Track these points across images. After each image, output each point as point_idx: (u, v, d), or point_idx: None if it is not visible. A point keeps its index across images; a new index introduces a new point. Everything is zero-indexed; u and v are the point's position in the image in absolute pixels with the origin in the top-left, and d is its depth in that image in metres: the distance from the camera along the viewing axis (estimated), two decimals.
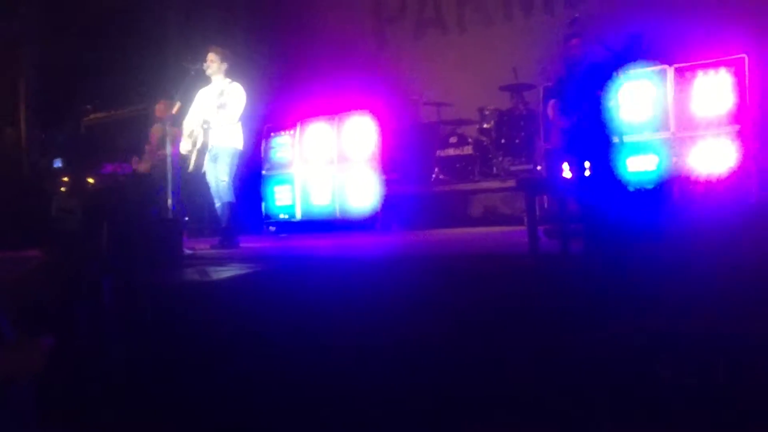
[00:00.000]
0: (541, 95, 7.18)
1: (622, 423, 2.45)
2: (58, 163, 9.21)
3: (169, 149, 6.10)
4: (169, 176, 6.06)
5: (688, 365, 2.54)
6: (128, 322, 3.37)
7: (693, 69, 6.41)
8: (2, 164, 9.86)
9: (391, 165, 7.93)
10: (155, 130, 8.12)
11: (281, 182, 8.76)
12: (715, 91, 6.28)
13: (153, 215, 6.06)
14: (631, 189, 6.05)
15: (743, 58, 6.15)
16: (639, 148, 6.56)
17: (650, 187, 6.28)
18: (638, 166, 6.51)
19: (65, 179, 8.45)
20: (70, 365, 2.75)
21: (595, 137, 5.52)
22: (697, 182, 6.17)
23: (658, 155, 6.49)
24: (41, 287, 3.15)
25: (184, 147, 6.43)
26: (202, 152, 6.30)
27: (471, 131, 8.07)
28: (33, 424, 2.02)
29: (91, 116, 8.83)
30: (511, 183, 7.21)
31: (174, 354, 3.32)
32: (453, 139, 8.01)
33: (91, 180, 8.09)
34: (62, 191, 8.25)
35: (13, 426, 1.95)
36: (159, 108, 8.11)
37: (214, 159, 6.35)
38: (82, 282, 3.23)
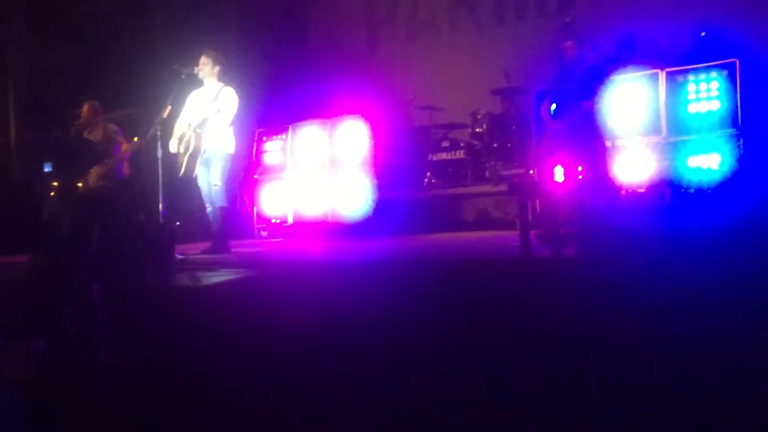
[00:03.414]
0: (534, 99, 7.19)
1: (614, 424, 2.45)
2: (47, 168, 9.15)
3: (159, 153, 6.06)
4: (160, 180, 6.03)
5: (681, 368, 2.54)
6: (118, 327, 3.35)
7: (685, 73, 6.44)
8: None
9: (383, 169, 7.92)
10: (95, 137, 8.03)
11: (273, 186, 8.73)
12: (707, 95, 6.31)
13: (139, 220, 6.03)
14: (623, 193, 6.07)
15: (735, 62, 6.18)
16: (631, 152, 6.57)
17: (642, 190, 6.29)
18: (630, 170, 6.52)
19: (55, 183, 8.39)
20: (60, 371, 2.72)
21: (588, 140, 5.55)
22: (689, 186, 6.18)
23: (650, 159, 6.51)
24: (31, 292, 3.12)
25: (173, 147, 6.39)
26: (193, 156, 6.27)
27: (463, 135, 8.08)
28: (22, 430, 2.00)
29: (81, 120, 8.79)
30: (503, 187, 7.22)
31: (165, 359, 3.29)
32: (445, 143, 8.02)
33: (80, 184, 8.04)
34: (52, 196, 8.19)
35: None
36: (85, 109, 8.01)
37: (207, 163, 6.32)
38: (72, 287, 3.21)
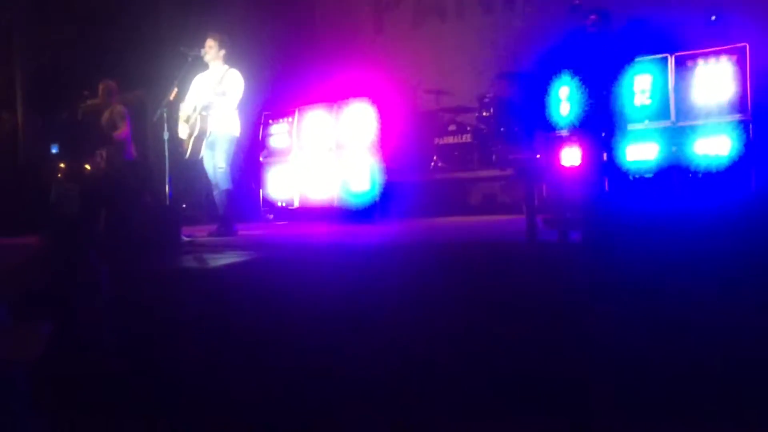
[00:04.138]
0: (542, 82, 7.15)
1: (619, 413, 2.45)
2: (55, 149, 9.17)
3: (166, 135, 6.06)
4: (167, 163, 6.04)
5: (687, 356, 2.54)
6: (126, 308, 3.36)
7: (694, 57, 6.38)
8: None
9: (390, 153, 7.91)
10: (104, 118, 8.02)
11: (279, 169, 8.73)
12: (716, 79, 6.26)
13: (145, 202, 6.04)
14: (631, 178, 6.05)
15: (745, 46, 6.13)
16: (639, 137, 6.54)
17: (650, 176, 6.27)
18: (638, 155, 6.50)
19: (62, 165, 8.41)
20: (67, 351, 2.74)
21: (612, 120, 5.44)
22: (696, 171, 6.15)
23: (658, 144, 6.48)
24: (39, 274, 3.13)
25: (182, 132, 6.40)
26: (199, 139, 6.26)
27: (470, 119, 8.06)
28: (28, 409, 2.01)
29: (88, 102, 8.78)
30: (509, 171, 7.21)
31: (171, 341, 3.31)
32: (452, 127, 8.00)
33: (88, 166, 8.06)
34: (60, 177, 8.22)
35: (9, 410, 1.95)
36: (100, 88, 8.00)
37: (212, 146, 6.32)
38: (80, 268, 3.22)
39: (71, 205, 7.36)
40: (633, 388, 2.48)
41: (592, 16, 5.62)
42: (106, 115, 8.06)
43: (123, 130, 7.87)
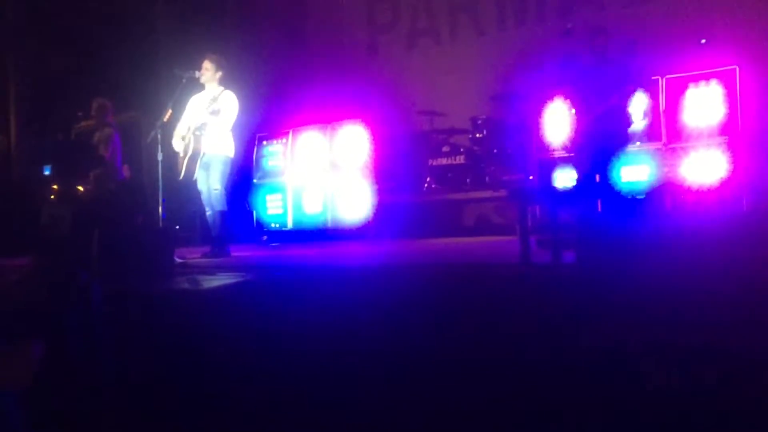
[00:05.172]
0: (530, 105, 7.21)
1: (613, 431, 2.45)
2: (47, 170, 9.15)
3: (160, 156, 6.06)
4: (160, 184, 6.03)
5: (679, 373, 2.54)
6: (118, 330, 3.34)
7: (685, 80, 6.45)
8: None
9: (384, 174, 7.93)
10: (96, 138, 7.98)
11: (273, 191, 8.74)
12: (706, 102, 6.32)
13: (138, 223, 6.03)
14: (623, 198, 6.07)
15: (734, 69, 6.19)
16: (631, 158, 6.58)
17: (642, 197, 6.30)
18: (630, 176, 6.53)
19: (55, 186, 8.38)
20: (59, 374, 2.71)
21: (612, 138, 5.43)
22: (688, 192, 6.19)
23: (649, 165, 6.52)
24: (31, 295, 3.12)
25: (177, 147, 6.38)
26: (193, 159, 6.26)
27: (463, 140, 8.09)
28: None
29: (82, 123, 8.77)
30: (503, 192, 7.22)
31: (164, 363, 3.29)
32: (445, 149, 8.02)
33: (80, 187, 8.03)
34: (52, 198, 8.19)
35: None
36: (95, 106, 7.97)
37: (206, 167, 6.31)
38: (72, 290, 3.20)
39: (62, 226, 7.33)
40: (625, 406, 2.48)
41: (596, 35, 5.64)
42: (97, 135, 8.04)
43: (105, 154, 7.83)
